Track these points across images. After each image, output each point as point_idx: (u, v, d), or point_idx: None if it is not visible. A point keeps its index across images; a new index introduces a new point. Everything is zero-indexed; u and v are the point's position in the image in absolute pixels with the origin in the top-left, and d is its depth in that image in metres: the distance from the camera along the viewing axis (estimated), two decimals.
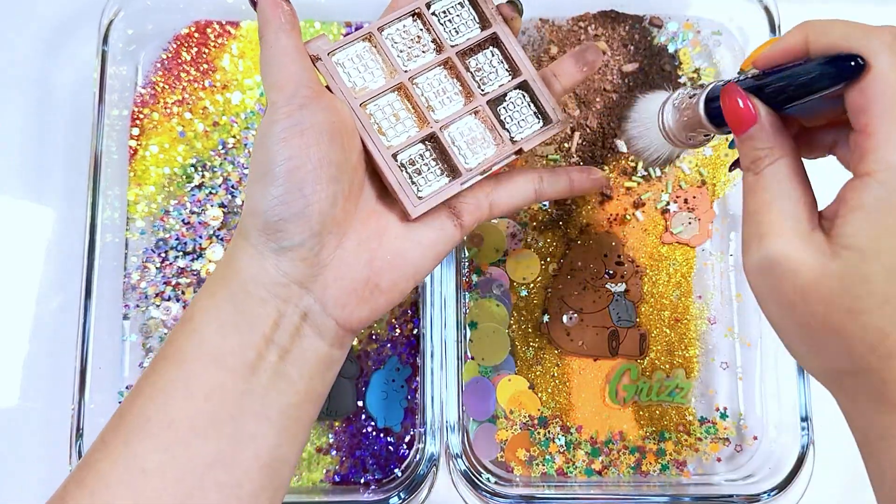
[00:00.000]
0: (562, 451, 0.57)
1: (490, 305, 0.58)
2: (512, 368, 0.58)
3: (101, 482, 0.33)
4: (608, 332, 0.58)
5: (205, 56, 0.62)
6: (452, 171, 0.43)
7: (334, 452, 0.57)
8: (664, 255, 0.60)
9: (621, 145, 0.60)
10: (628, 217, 0.60)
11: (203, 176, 0.60)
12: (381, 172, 0.41)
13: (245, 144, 0.61)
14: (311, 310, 0.37)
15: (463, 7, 0.44)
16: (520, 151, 0.43)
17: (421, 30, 0.44)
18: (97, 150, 0.57)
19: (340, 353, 0.39)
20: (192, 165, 0.60)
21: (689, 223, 0.60)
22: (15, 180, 0.62)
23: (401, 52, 0.43)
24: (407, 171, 0.42)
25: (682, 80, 0.62)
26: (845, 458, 0.59)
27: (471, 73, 0.44)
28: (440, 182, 0.42)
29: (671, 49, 0.63)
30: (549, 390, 0.58)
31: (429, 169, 0.43)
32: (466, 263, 0.59)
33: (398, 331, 0.58)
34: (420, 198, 0.41)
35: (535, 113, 0.44)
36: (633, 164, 0.61)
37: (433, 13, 0.44)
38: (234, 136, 0.61)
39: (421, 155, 0.43)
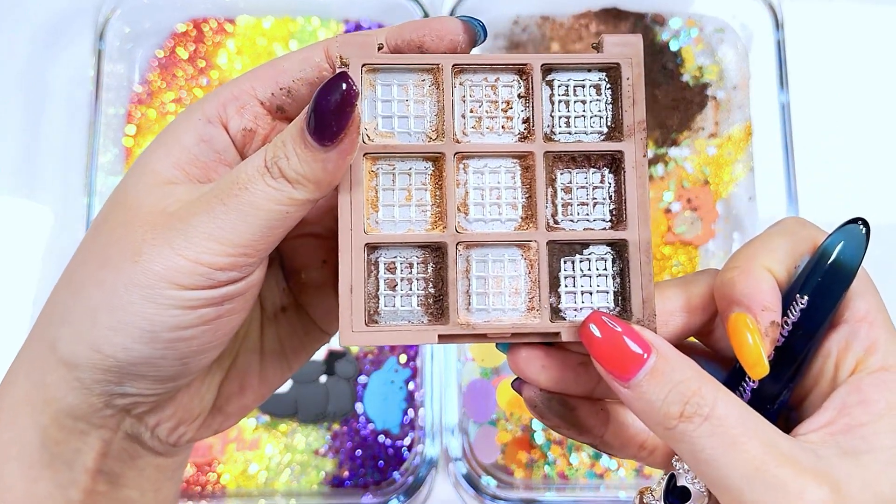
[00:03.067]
0: (563, 453, 0.56)
1: None
2: None
3: None
4: None
5: (201, 53, 0.62)
6: (439, 311, 0.28)
7: (332, 455, 0.56)
8: (667, 255, 0.59)
9: None
10: None
11: None
12: (339, 260, 0.27)
13: None
14: (142, 435, 0.30)
15: (599, 95, 0.29)
16: (556, 336, 0.28)
17: (518, 97, 0.29)
18: (93, 149, 0.56)
19: (185, 456, 0.33)
20: None
21: (692, 223, 0.59)
22: (11, 179, 0.62)
23: (470, 112, 0.29)
24: (377, 276, 0.28)
25: (684, 79, 0.61)
26: None
27: (554, 189, 0.29)
28: (411, 317, 0.28)
29: (674, 47, 0.62)
30: None
31: (409, 289, 0.28)
32: None
33: None
34: (372, 322, 0.28)
35: (615, 292, 0.29)
36: None
37: (548, 82, 0.29)
38: None
39: (411, 264, 0.28)
